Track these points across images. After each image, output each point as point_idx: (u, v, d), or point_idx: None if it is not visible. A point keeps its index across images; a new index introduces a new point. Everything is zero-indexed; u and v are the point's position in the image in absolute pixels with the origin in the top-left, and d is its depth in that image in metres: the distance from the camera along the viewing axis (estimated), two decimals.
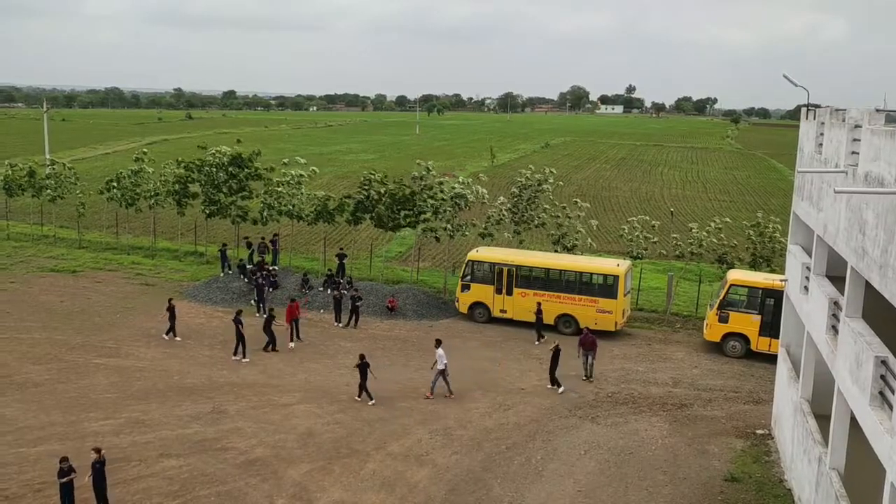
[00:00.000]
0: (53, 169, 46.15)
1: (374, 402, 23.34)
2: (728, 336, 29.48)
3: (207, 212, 40.72)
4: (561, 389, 24.93)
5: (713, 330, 29.75)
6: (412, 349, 28.82)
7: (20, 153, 69.54)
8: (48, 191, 45.11)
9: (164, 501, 17.24)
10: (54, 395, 23.13)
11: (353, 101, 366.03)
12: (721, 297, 29.51)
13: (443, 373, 24.10)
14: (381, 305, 33.97)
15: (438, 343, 24.57)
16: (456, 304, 33.92)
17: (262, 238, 39.82)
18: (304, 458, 19.71)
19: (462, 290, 33.35)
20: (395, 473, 19.12)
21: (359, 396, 23.66)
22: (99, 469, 16.32)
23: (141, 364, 26.15)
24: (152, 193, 42.58)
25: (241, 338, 27.16)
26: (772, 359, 24.90)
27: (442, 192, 36.51)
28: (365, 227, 43.14)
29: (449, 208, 36.23)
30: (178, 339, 28.70)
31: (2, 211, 48.92)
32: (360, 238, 45.76)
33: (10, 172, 46.33)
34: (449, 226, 36.49)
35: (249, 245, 39.16)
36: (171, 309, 28.90)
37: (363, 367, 23.44)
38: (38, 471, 18.28)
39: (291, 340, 28.94)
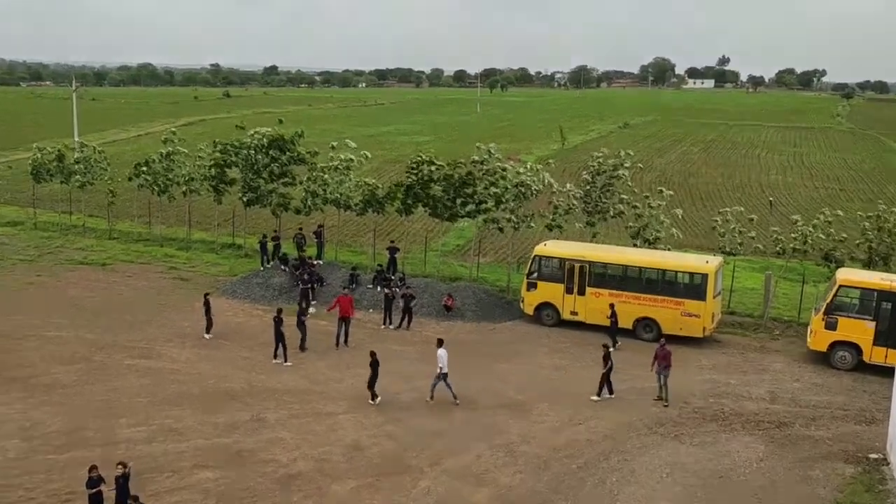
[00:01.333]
0: (83, 153, 47.69)
1: (377, 401, 23.99)
2: (836, 345, 28.67)
3: (246, 199, 41.50)
4: (597, 398, 24.99)
5: (819, 338, 28.98)
6: (470, 354, 28.85)
7: (49, 136, 72.01)
8: (77, 176, 46.62)
9: None
10: (83, 397, 23.98)
11: (406, 77, 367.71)
12: (829, 301, 28.71)
13: (443, 377, 24.18)
14: (437, 305, 34.14)
15: (440, 343, 24.66)
16: (521, 304, 33.86)
17: (300, 229, 40.40)
18: (350, 473, 19.98)
19: (527, 289, 33.27)
20: (452, 493, 19.23)
21: (372, 400, 24.14)
22: (123, 484, 16.73)
23: (175, 366, 26.88)
24: (186, 179, 43.56)
25: (280, 338, 27.68)
26: (887, 372, 24.12)
27: (504, 178, 36.42)
28: (419, 218, 43.40)
29: (512, 197, 36.13)
30: (207, 336, 29.36)
31: (28, 198, 50.83)
32: (414, 230, 45.99)
33: (38, 156, 48.08)
34: (513, 217, 36.40)
35: (300, 239, 39.64)
36: (206, 304, 29.63)
37: (374, 364, 23.94)
38: (66, 479, 18.98)
39: (337, 344, 29.35)
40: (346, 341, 29.67)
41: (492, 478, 20.00)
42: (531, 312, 33.23)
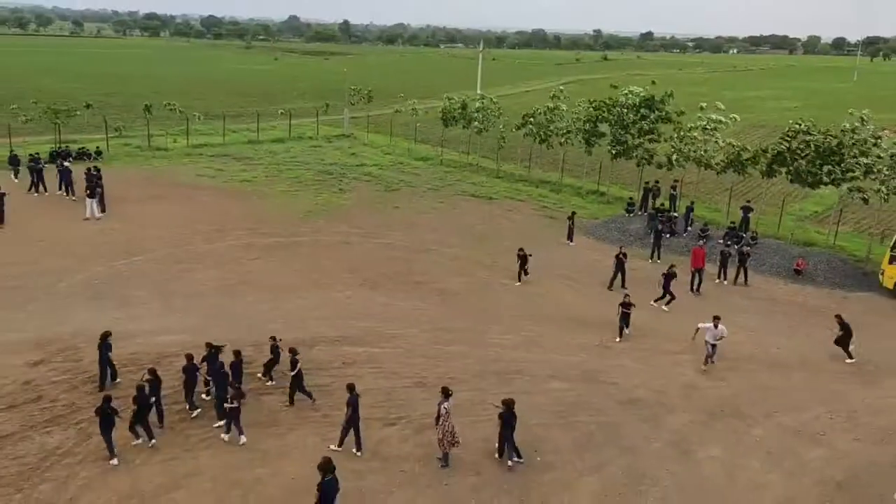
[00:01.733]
0: (482, 103, 51.26)
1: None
2: None
3: (614, 152, 41.60)
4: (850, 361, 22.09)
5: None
6: (817, 317, 26.19)
7: (456, 88, 78.21)
8: (476, 123, 50.35)
9: (551, 420, 18.58)
10: (467, 305, 26.22)
11: (780, 44, 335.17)
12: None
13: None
14: (787, 266, 31.37)
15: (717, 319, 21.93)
16: (880, 277, 29.75)
17: (656, 182, 39.52)
18: (685, 408, 19.50)
19: (890, 263, 29.08)
20: (784, 446, 17.88)
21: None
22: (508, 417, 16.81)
23: (540, 291, 28.12)
24: (564, 131, 44.79)
25: (621, 273, 28.34)
26: None
27: (878, 147, 31.87)
28: (778, 181, 39.85)
29: (886, 168, 31.55)
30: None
31: (438, 139, 55.95)
32: (771, 192, 42.39)
33: (447, 105, 52.89)
34: (883, 188, 31.85)
35: (649, 191, 39.07)
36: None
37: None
38: (451, 366, 21.05)
39: (692, 289, 28.51)
40: (697, 289, 28.63)
41: (827, 440, 18.19)
42: (891, 286, 29.05)
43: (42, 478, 15.30)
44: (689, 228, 35.93)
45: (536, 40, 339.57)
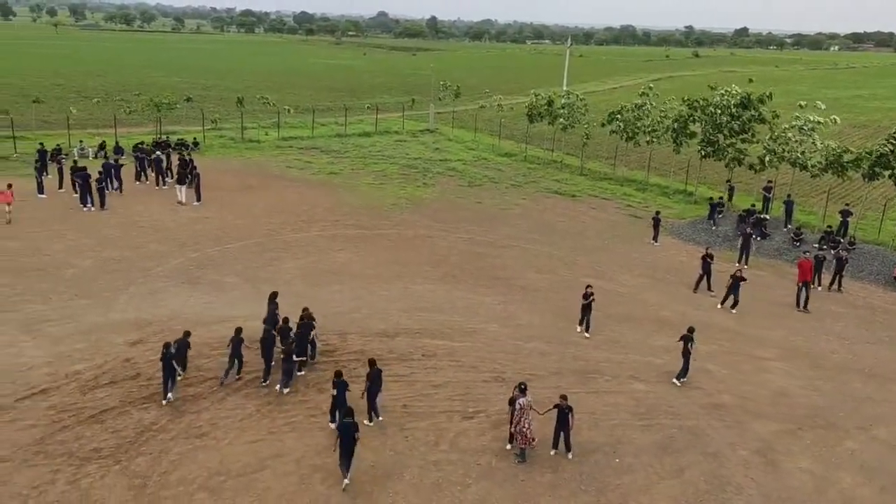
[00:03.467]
0: (568, 99, 50.66)
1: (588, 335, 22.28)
2: None
3: (703, 152, 40.43)
4: None
5: None
6: None
7: (543, 85, 77.62)
8: (561, 119, 49.83)
9: (630, 420, 18.27)
10: (548, 301, 26.01)
11: (885, 41, 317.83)
12: None
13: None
14: (885, 273, 29.85)
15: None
16: None
17: (727, 181, 38.35)
18: (773, 416, 18.82)
19: None
20: (879, 460, 17.04)
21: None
22: (564, 414, 16.71)
23: (622, 290, 27.65)
24: (651, 129, 43.80)
25: (707, 275, 27.57)
26: None
27: None
28: (879, 185, 37.93)
29: None
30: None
31: (523, 135, 55.67)
32: (872, 196, 40.33)
33: (533, 100, 52.54)
34: None
35: (731, 190, 38.04)
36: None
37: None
38: (529, 363, 20.97)
39: (798, 305, 26.77)
40: (805, 305, 26.52)
41: None
42: None
43: (138, 451, 16.08)
44: (788, 226, 34.58)
45: (625, 37, 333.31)
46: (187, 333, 19.36)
